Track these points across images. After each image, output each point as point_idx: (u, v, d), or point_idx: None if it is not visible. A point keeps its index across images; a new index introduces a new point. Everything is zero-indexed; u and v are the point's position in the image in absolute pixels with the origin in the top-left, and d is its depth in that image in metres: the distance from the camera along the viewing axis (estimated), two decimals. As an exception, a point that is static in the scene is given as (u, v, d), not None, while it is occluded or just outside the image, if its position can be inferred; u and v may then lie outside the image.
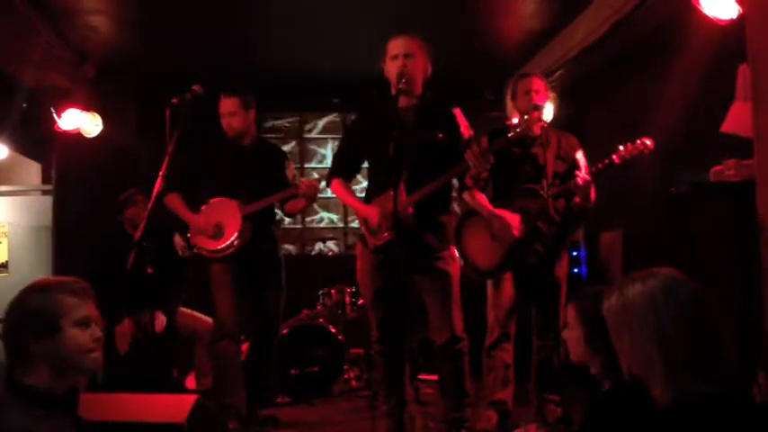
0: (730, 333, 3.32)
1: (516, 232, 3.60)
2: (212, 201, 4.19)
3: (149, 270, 3.44)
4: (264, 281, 4.23)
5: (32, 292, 1.97)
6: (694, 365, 1.72)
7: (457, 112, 3.56)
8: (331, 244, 6.54)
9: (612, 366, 2.16)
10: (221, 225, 4.13)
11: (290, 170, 4.35)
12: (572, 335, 2.27)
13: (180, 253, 4.51)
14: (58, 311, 1.93)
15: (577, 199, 3.68)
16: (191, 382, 4.78)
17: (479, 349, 3.86)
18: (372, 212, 3.44)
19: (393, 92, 3.44)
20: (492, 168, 3.65)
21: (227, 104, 4.22)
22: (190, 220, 4.20)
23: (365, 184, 4.03)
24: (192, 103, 3.58)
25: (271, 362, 4.39)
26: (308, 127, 7.25)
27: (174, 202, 4.20)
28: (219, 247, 4.12)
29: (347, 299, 5.59)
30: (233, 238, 4.08)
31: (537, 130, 3.74)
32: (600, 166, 3.63)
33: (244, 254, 4.12)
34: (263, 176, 4.13)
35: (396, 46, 3.44)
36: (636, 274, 1.82)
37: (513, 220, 3.62)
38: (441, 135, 3.46)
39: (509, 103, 3.89)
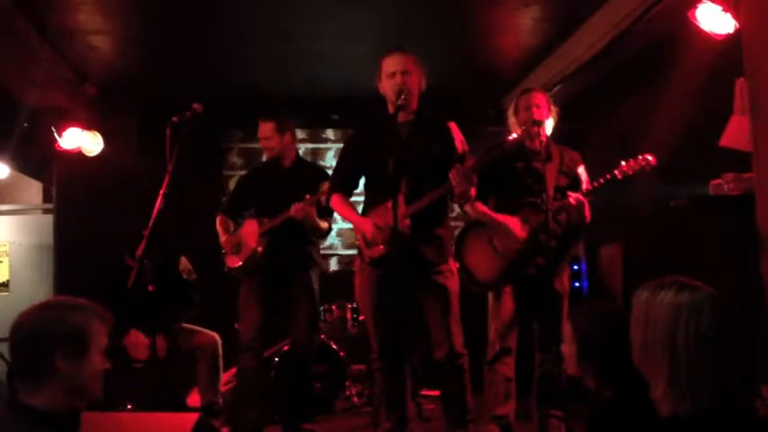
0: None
1: (521, 234, 3.62)
2: (244, 222, 4.42)
3: (150, 288, 3.45)
4: (294, 297, 4.30)
5: (69, 309, 1.94)
6: (699, 383, 1.71)
7: (452, 126, 3.59)
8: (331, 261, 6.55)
9: (604, 382, 2.17)
10: (241, 243, 4.32)
11: (326, 190, 4.36)
12: (567, 350, 2.29)
13: (185, 276, 4.54)
14: (90, 335, 1.93)
15: (573, 217, 3.70)
16: (193, 399, 4.77)
17: (481, 363, 3.85)
18: (368, 224, 3.45)
19: (390, 108, 3.48)
20: (494, 182, 3.71)
21: (263, 129, 4.39)
22: (220, 240, 4.43)
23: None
24: (193, 121, 3.60)
25: (303, 377, 4.41)
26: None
27: (218, 223, 4.49)
28: (237, 265, 4.30)
29: (348, 315, 5.59)
30: (248, 255, 4.23)
31: (537, 145, 3.75)
32: (602, 181, 3.65)
33: (271, 270, 4.26)
34: (297, 197, 4.12)
35: (392, 63, 3.48)
36: (678, 280, 1.80)
37: (517, 223, 3.65)
38: (436, 149, 3.48)
39: (511, 118, 3.91)
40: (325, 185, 4.28)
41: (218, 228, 4.47)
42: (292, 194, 4.15)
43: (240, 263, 4.28)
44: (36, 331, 1.90)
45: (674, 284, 1.78)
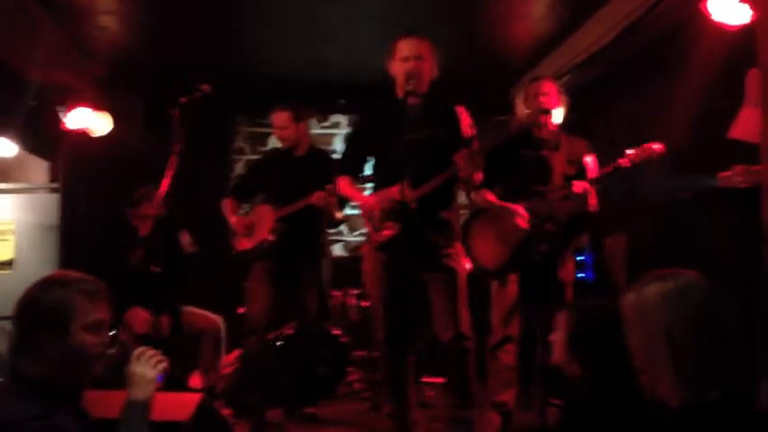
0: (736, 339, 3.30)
1: (524, 224, 3.61)
2: (256, 207, 4.47)
3: (155, 268, 3.46)
4: (305, 284, 4.33)
5: (49, 287, 1.94)
6: (703, 369, 1.71)
7: (460, 110, 3.55)
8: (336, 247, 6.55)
9: (587, 381, 2.18)
10: (254, 226, 4.35)
11: None
12: (557, 339, 2.30)
13: (189, 250, 4.56)
14: (69, 314, 1.91)
15: (578, 205, 3.69)
16: (195, 380, 4.79)
17: (484, 350, 3.85)
18: (374, 202, 3.44)
19: (399, 91, 3.45)
20: (501, 170, 3.70)
21: (279, 119, 4.41)
22: (230, 222, 4.46)
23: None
24: (201, 102, 3.60)
25: (308, 363, 4.45)
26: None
27: (226, 206, 4.51)
28: (247, 248, 4.35)
29: (351, 301, 5.59)
30: (259, 241, 4.28)
31: (546, 134, 3.74)
32: (608, 169, 3.63)
33: (282, 255, 4.29)
34: (310, 185, 4.14)
35: (406, 47, 3.45)
36: (657, 273, 1.82)
37: (523, 211, 3.64)
38: (443, 133, 3.45)
39: (520, 106, 3.90)
40: None
41: (227, 211, 4.47)
42: (305, 182, 4.16)
43: (250, 246, 4.30)
44: (22, 308, 1.94)
45: (657, 277, 1.81)
